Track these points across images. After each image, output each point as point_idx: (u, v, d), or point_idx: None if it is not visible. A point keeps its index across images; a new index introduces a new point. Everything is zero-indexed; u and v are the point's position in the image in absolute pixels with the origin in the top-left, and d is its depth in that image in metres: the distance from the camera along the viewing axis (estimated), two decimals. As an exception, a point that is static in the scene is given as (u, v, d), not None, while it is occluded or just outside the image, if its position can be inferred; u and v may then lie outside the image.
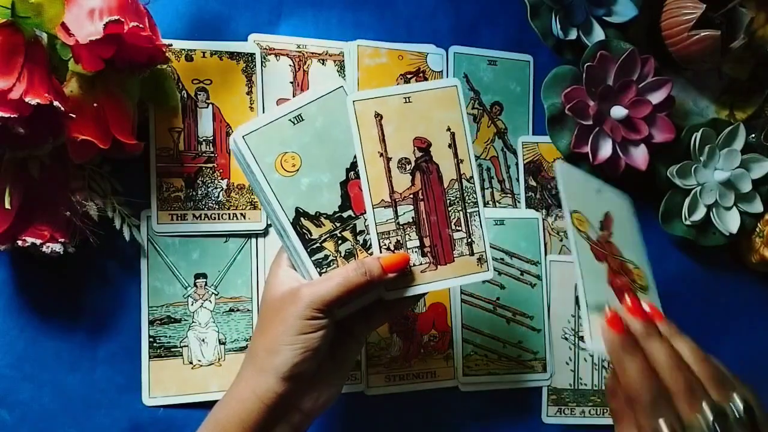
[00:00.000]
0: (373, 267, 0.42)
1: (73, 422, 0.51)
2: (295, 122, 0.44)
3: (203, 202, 0.55)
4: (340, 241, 0.44)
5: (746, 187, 0.66)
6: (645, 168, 0.62)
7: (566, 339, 0.63)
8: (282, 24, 0.59)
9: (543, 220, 0.64)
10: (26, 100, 0.40)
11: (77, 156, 0.47)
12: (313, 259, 0.43)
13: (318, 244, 0.43)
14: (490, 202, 0.64)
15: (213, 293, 0.54)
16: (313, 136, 0.44)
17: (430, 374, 0.60)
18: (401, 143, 0.45)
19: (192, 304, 0.54)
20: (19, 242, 0.46)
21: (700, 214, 0.65)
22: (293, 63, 0.58)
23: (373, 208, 0.44)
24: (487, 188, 0.64)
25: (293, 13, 0.59)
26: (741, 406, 0.38)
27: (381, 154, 0.44)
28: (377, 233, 0.44)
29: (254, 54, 0.57)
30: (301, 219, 0.43)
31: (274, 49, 0.58)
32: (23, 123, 0.41)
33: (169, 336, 0.53)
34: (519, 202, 0.64)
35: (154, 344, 0.53)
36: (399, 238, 0.45)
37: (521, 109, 0.66)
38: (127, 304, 0.53)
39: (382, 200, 0.44)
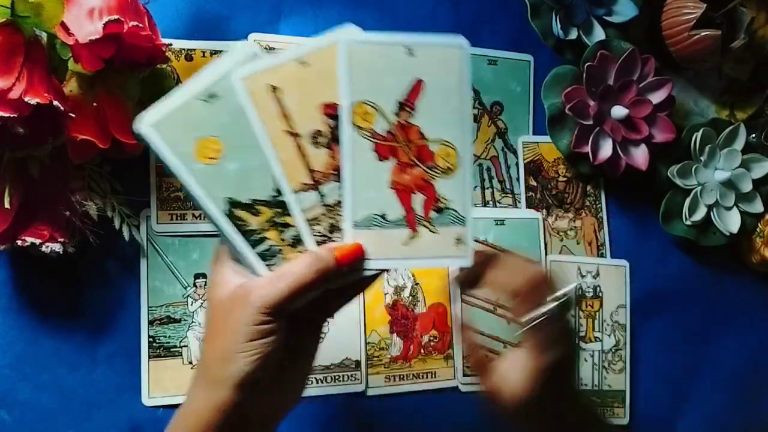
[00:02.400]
0: (327, 261, 0.38)
1: (73, 422, 0.51)
2: (208, 101, 0.38)
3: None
4: (283, 229, 0.39)
5: (747, 187, 0.66)
6: (645, 168, 0.62)
7: (566, 339, 0.63)
8: (282, 23, 0.59)
9: (543, 220, 0.64)
10: (26, 99, 0.40)
11: (77, 156, 0.47)
12: (256, 251, 0.39)
13: (259, 235, 0.39)
14: (491, 202, 0.64)
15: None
16: (231, 115, 0.38)
17: (430, 374, 0.59)
18: (308, 115, 0.39)
19: (192, 304, 0.54)
20: (19, 242, 0.46)
21: (700, 214, 0.65)
22: (293, 63, 0.58)
23: (295, 195, 0.39)
24: (487, 188, 0.64)
25: (293, 13, 0.59)
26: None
27: (288, 132, 0.39)
28: (305, 221, 0.39)
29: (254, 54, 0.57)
30: (235, 210, 0.38)
31: (274, 48, 0.58)
32: (23, 123, 0.41)
33: (169, 336, 0.53)
34: (519, 202, 0.64)
35: (154, 344, 0.53)
36: (332, 221, 0.40)
37: (521, 108, 0.66)
38: (126, 304, 0.53)
39: (302, 184, 0.39)
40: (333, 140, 0.39)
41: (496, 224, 0.62)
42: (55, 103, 0.41)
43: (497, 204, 0.64)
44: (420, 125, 0.40)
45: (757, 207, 0.67)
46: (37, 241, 0.46)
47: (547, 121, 0.63)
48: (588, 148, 0.61)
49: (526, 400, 0.42)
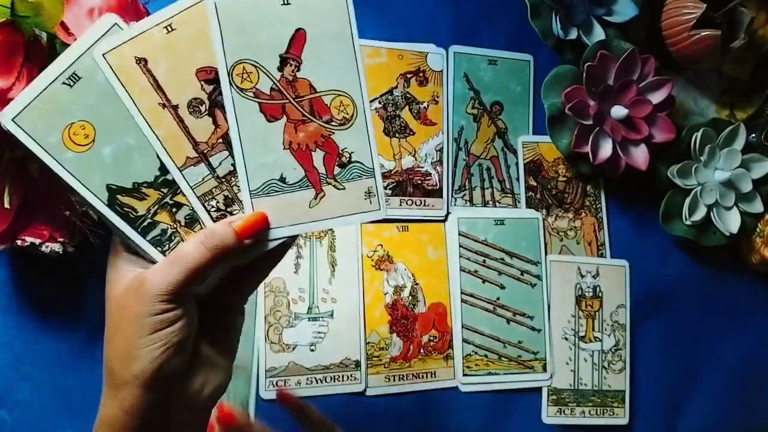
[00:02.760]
0: (226, 236, 0.35)
1: (72, 422, 0.51)
2: (71, 84, 0.35)
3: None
4: (174, 209, 0.36)
5: (747, 187, 0.66)
6: (645, 168, 0.62)
7: (566, 339, 0.63)
8: (282, 23, 0.59)
9: (543, 220, 0.64)
10: (26, 99, 0.40)
11: (77, 156, 0.47)
12: (148, 238, 0.36)
13: (149, 220, 0.36)
14: (490, 202, 0.64)
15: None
16: (98, 95, 0.35)
17: (430, 374, 0.59)
18: (183, 83, 0.36)
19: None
20: (19, 242, 0.46)
21: (700, 214, 0.65)
22: (293, 62, 0.58)
23: (181, 171, 0.36)
24: (487, 188, 0.64)
25: (293, 13, 0.59)
26: None
27: (164, 105, 0.36)
28: (197, 197, 0.36)
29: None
30: (118, 196, 0.35)
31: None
32: (23, 122, 0.41)
33: None
34: (519, 202, 0.64)
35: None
36: (227, 192, 0.37)
37: (521, 108, 0.66)
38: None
39: (188, 158, 0.36)
40: (214, 107, 0.37)
41: (496, 224, 0.62)
42: (55, 102, 0.41)
43: (497, 204, 0.64)
44: (308, 78, 0.38)
45: (757, 207, 0.67)
46: (37, 241, 0.46)
47: (547, 121, 0.63)
48: (588, 148, 0.61)
49: None
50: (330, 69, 0.38)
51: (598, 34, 0.64)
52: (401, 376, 0.59)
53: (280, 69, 0.37)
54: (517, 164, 0.65)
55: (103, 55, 0.35)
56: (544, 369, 0.62)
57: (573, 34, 0.63)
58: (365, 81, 0.39)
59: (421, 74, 0.62)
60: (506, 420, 0.61)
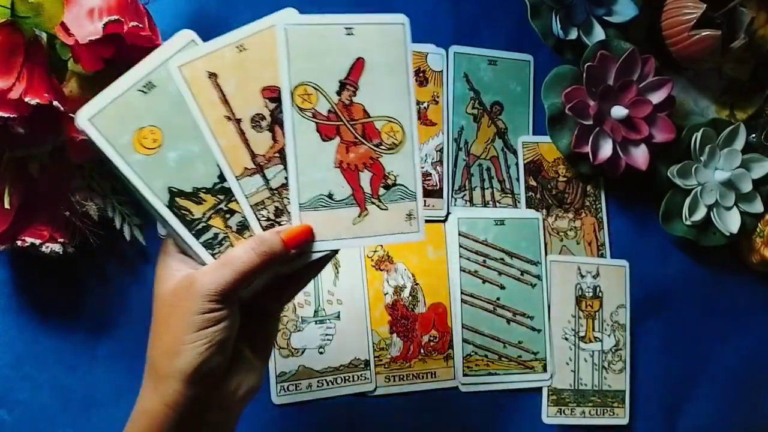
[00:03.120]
0: (274, 244, 0.37)
1: (73, 422, 0.51)
2: (146, 91, 0.38)
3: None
4: (228, 215, 0.39)
5: (747, 187, 0.66)
6: (645, 168, 0.62)
7: (566, 339, 0.63)
8: (282, 24, 0.59)
9: (543, 220, 0.64)
10: (26, 99, 0.40)
11: (77, 156, 0.47)
12: (201, 241, 0.38)
13: (203, 224, 0.38)
14: (491, 202, 0.64)
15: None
16: (170, 104, 0.38)
17: (430, 374, 0.59)
18: (248, 99, 0.39)
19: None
20: (19, 242, 0.46)
21: (700, 214, 0.65)
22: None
23: (238, 180, 0.38)
24: (487, 188, 0.64)
25: (293, 13, 0.59)
26: None
27: (228, 118, 0.39)
28: (251, 206, 0.39)
29: (254, 54, 0.56)
30: (177, 199, 0.38)
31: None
32: (23, 123, 0.41)
33: None
34: (519, 202, 0.64)
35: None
36: (277, 204, 0.39)
37: (521, 108, 0.66)
38: (126, 304, 0.53)
39: (246, 168, 0.39)
40: (274, 123, 0.39)
41: (496, 224, 0.62)
42: (55, 103, 0.41)
43: (497, 204, 0.64)
44: (363, 103, 0.41)
45: (757, 207, 0.67)
46: (37, 242, 0.46)
47: (547, 121, 0.63)
48: (588, 148, 0.61)
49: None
50: (384, 97, 0.41)
51: (598, 34, 0.64)
52: (401, 377, 0.59)
53: (339, 93, 0.40)
54: (517, 164, 0.65)
55: (178, 67, 0.38)
56: (545, 369, 0.62)
57: (573, 34, 0.63)
58: (415, 111, 0.42)
59: (421, 74, 0.62)
60: (506, 420, 0.61)
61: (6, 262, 0.51)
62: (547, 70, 0.63)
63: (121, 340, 0.53)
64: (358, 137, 0.41)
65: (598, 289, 0.64)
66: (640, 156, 0.63)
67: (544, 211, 0.65)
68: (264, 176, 0.39)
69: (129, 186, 0.38)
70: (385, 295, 0.59)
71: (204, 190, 0.38)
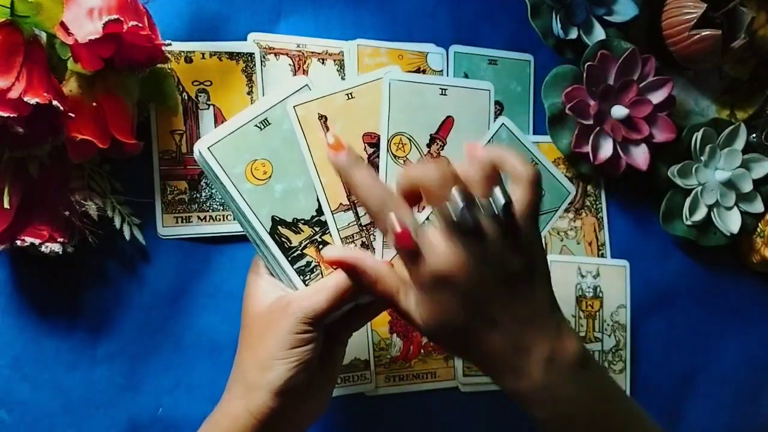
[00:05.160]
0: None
1: (73, 422, 0.51)
2: (262, 127, 0.42)
3: (208, 204, 0.54)
4: (321, 246, 0.43)
5: (747, 187, 0.66)
6: (646, 168, 0.62)
7: (567, 339, 0.63)
8: (281, 23, 0.59)
9: (543, 220, 0.64)
10: (25, 99, 0.40)
11: (76, 155, 0.47)
12: (295, 267, 0.42)
13: (299, 252, 0.42)
14: (491, 202, 0.64)
15: None
16: (281, 140, 0.42)
17: (430, 375, 0.59)
18: (351, 142, 0.43)
19: None
20: (18, 242, 0.46)
21: (701, 214, 0.65)
22: (293, 62, 0.58)
23: (333, 214, 0.43)
24: (488, 188, 0.64)
25: (293, 12, 0.59)
26: (501, 201, 0.35)
27: None
28: (341, 239, 0.43)
29: (253, 54, 0.57)
30: (279, 227, 0.42)
31: (273, 48, 0.58)
32: (22, 122, 0.41)
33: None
34: (519, 202, 0.64)
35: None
36: (363, 239, 0.44)
37: (522, 108, 0.65)
38: (126, 304, 0.53)
39: (341, 204, 0.43)
40: (371, 166, 0.43)
41: (496, 224, 0.62)
42: (55, 102, 0.41)
43: (497, 204, 0.64)
44: (449, 156, 0.45)
45: (758, 207, 0.67)
46: (37, 241, 0.46)
47: (547, 121, 0.63)
48: (588, 148, 0.61)
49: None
50: None
51: (599, 33, 0.64)
52: (401, 377, 0.59)
53: (429, 145, 0.45)
54: (517, 164, 0.65)
55: (294, 107, 0.42)
56: (545, 369, 0.62)
57: (573, 34, 0.63)
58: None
59: (421, 74, 0.62)
60: (506, 420, 0.61)
61: (5, 262, 0.51)
62: (547, 69, 0.63)
63: (121, 340, 0.53)
64: None
65: (598, 289, 0.64)
66: (640, 156, 0.63)
67: (545, 211, 0.65)
68: (356, 213, 0.44)
69: (235, 210, 0.42)
70: (385, 295, 0.59)
71: (303, 221, 0.43)
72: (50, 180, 0.48)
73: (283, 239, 0.42)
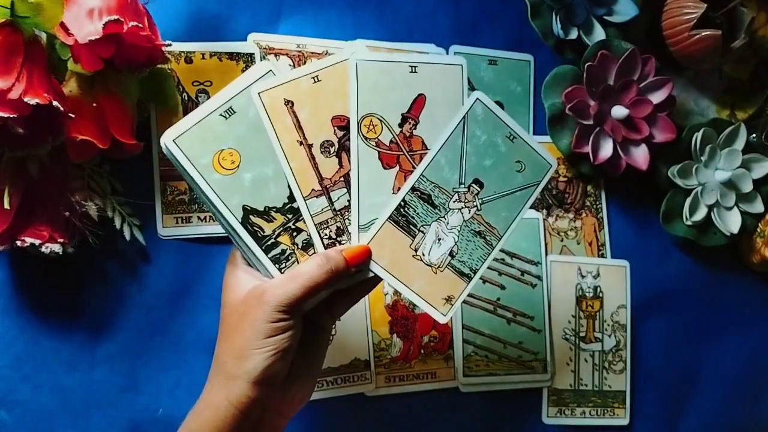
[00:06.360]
0: (339, 262, 0.41)
1: (72, 423, 0.51)
2: (227, 116, 0.41)
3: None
4: (295, 233, 0.42)
5: (747, 187, 0.66)
6: (646, 168, 0.62)
7: (567, 339, 0.63)
8: (281, 23, 0.59)
9: (543, 220, 0.64)
10: (25, 99, 0.40)
11: (76, 156, 0.47)
12: (269, 256, 0.42)
13: (273, 240, 0.42)
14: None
15: (476, 206, 0.47)
16: (248, 128, 0.41)
17: (430, 375, 0.59)
18: (319, 126, 0.42)
19: (454, 202, 0.47)
20: (18, 242, 0.46)
21: (701, 214, 0.65)
22: (293, 63, 0.58)
23: (305, 200, 0.42)
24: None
25: (293, 12, 0.59)
26: None
27: (300, 143, 0.42)
28: (315, 225, 0.42)
29: (253, 54, 0.57)
30: (251, 216, 0.41)
31: (273, 48, 0.58)
32: (22, 123, 0.41)
33: (418, 213, 0.45)
34: (519, 202, 0.64)
35: (402, 211, 0.45)
36: (338, 224, 0.43)
37: (522, 108, 0.65)
38: (126, 304, 0.53)
39: (313, 190, 0.42)
40: (342, 150, 0.43)
41: (496, 224, 0.62)
42: (55, 103, 0.41)
43: (497, 204, 0.64)
44: (422, 136, 0.44)
45: (758, 207, 0.67)
46: (37, 242, 0.46)
47: (547, 121, 0.63)
48: (588, 148, 0.61)
49: None
50: (440, 127, 0.44)
51: (599, 34, 0.64)
52: (402, 377, 0.59)
53: (401, 125, 0.44)
54: (517, 164, 0.65)
55: (258, 93, 0.41)
56: (545, 369, 0.62)
57: (573, 34, 0.63)
58: None
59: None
60: (506, 420, 0.61)
61: (5, 262, 0.51)
62: (547, 70, 0.63)
63: (121, 340, 0.53)
64: (416, 167, 0.44)
65: (598, 289, 0.64)
66: (640, 156, 0.63)
67: (545, 211, 0.65)
68: (329, 198, 0.43)
69: (206, 202, 0.41)
70: (385, 295, 0.59)
71: (275, 209, 0.42)
72: (50, 180, 0.48)
73: (255, 228, 0.41)
